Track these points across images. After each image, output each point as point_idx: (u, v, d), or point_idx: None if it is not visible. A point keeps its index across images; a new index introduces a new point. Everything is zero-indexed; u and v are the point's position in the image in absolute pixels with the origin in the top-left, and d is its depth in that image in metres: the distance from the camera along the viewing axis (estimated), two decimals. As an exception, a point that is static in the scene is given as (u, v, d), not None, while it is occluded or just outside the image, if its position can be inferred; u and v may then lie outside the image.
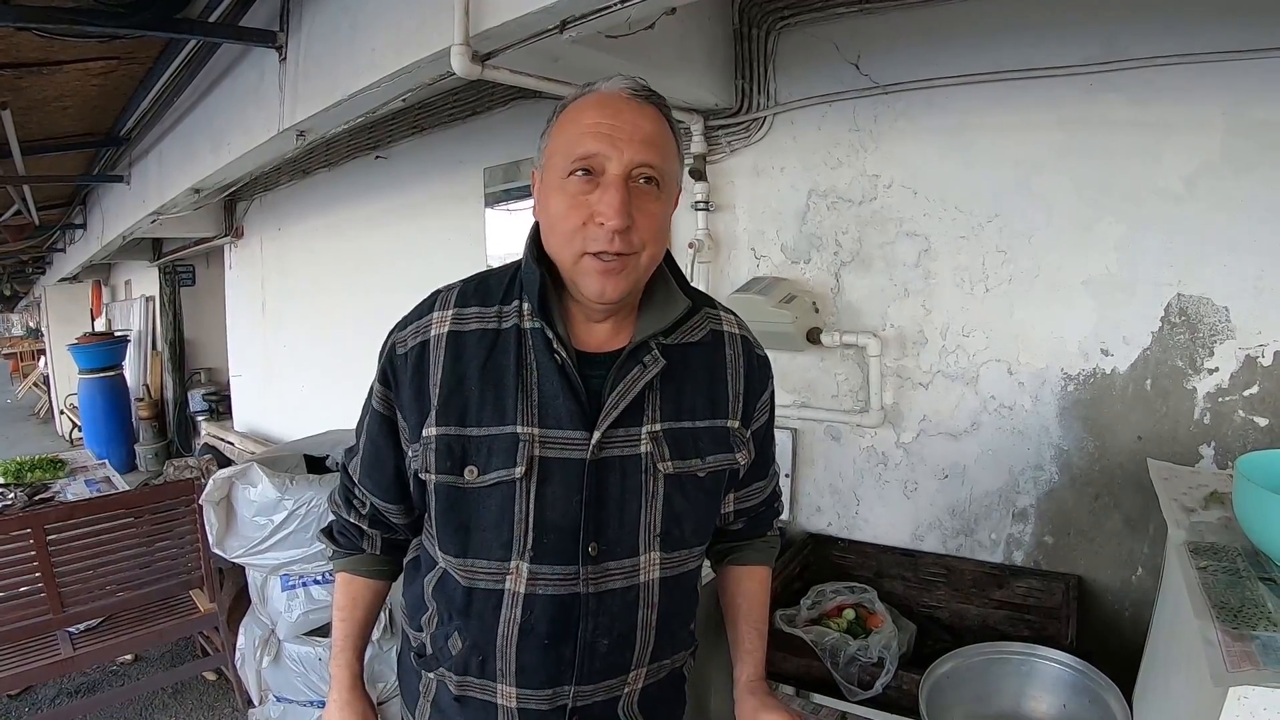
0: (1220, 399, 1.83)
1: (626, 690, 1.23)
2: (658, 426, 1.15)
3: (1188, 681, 1.08)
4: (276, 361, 3.52)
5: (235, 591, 3.30)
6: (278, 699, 2.87)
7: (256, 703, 2.98)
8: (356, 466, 1.26)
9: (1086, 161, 1.90)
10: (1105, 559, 2.02)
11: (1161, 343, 1.88)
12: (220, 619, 3.07)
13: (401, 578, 1.33)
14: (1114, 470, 1.98)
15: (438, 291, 1.19)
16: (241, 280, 4.73)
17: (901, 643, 1.82)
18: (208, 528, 2.66)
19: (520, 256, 1.19)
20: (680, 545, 1.20)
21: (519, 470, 1.10)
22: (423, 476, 1.14)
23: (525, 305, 1.13)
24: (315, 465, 2.93)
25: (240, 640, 2.96)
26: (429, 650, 1.22)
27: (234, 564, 2.94)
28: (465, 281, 1.19)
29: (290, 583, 2.65)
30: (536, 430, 1.11)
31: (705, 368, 1.22)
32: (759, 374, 1.28)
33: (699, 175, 2.32)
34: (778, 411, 2.25)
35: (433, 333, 1.14)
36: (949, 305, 2.11)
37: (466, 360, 1.12)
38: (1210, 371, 1.83)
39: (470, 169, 3.05)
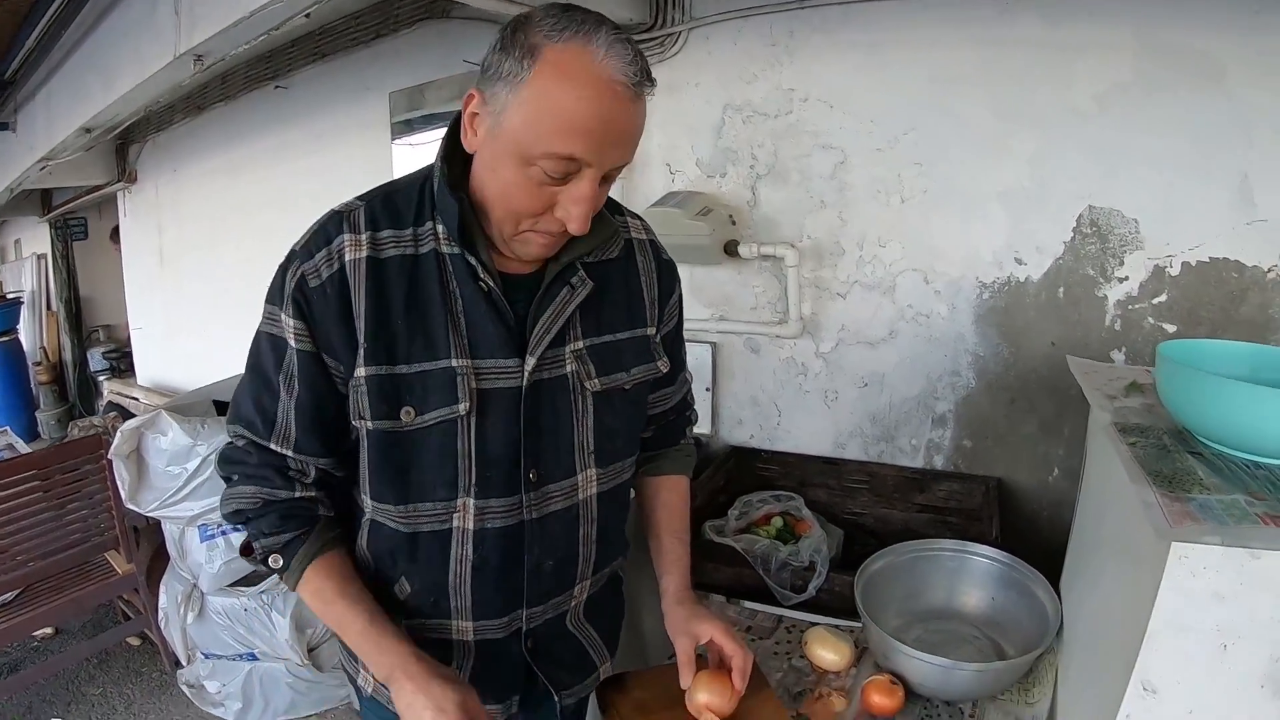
0: (1130, 306, 1.91)
1: (573, 604, 1.26)
2: (580, 344, 1.14)
3: (1122, 555, 1.13)
4: (178, 311, 3.37)
5: (152, 550, 3.18)
6: (205, 656, 2.81)
7: (185, 662, 2.90)
8: (286, 429, 1.07)
9: (1001, 79, 1.92)
10: (1022, 461, 2.10)
11: (1073, 252, 1.93)
12: (140, 580, 2.96)
13: None
14: (1029, 375, 2.04)
15: (337, 212, 1.06)
16: (137, 229, 4.44)
17: (830, 546, 1.86)
18: (119, 483, 2.54)
19: (424, 167, 1.11)
20: (614, 459, 1.21)
21: (462, 407, 1.06)
22: (355, 423, 1.08)
23: (440, 228, 1.06)
24: (225, 410, 2.82)
25: (162, 600, 2.87)
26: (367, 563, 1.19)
27: (149, 520, 2.84)
28: (367, 200, 1.07)
29: (209, 533, 2.57)
30: (470, 362, 1.06)
31: (623, 280, 1.20)
32: (668, 277, 1.27)
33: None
34: (698, 326, 2.26)
35: (347, 258, 1.03)
36: (865, 217, 2.12)
37: (390, 291, 1.04)
38: (1120, 280, 1.90)
39: (375, 96, 2.91)
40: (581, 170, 0.96)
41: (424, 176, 1.09)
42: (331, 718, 2.86)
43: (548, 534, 1.16)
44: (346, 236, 1.03)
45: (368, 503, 1.13)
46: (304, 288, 1.03)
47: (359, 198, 1.08)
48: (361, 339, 1.04)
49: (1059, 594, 1.53)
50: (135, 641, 3.25)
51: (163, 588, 2.87)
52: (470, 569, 1.14)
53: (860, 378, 2.24)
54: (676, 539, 1.36)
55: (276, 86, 3.14)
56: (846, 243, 2.15)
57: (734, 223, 2.22)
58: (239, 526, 1.13)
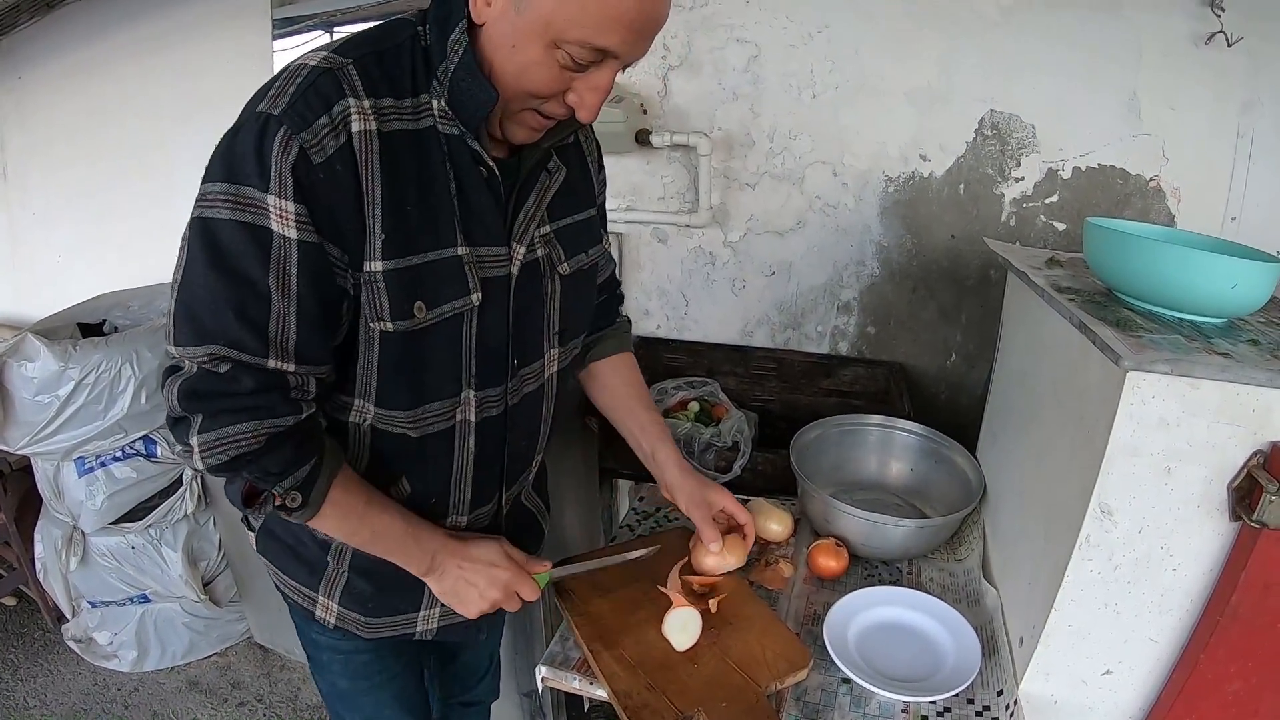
0: (1025, 205, 2.01)
1: (530, 478, 1.28)
2: (548, 229, 1.10)
3: (1069, 397, 1.18)
4: (24, 231, 3.03)
5: (21, 495, 2.88)
6: (92, 605, 2.58)
7: (69, 615, 2.66)
8: (285, 340, 0.88)
9: None
10: (923, 346, 2.19)
11: (975, 152, 2.00)
12: (10, 530, 2.66)
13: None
14: (930, 265, 2.11)
15: (323, 69, 0.85)
16: (-25, 144, 3.93)
17: (748, 426, 1.87)
18: (-22, 423, 2.27)
19: (397, 21, 0.95)
20: (573, 337, 1.20)
21: (475, 297, 0.98)
22: (372, 325, 0.93)
23: (437, 104, 0.92)
24: (91, 333, 2.56)
25: (38, 549, 2.59)
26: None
27: (15, 463, 2.56)
28: (355, 59, 0.88)
29: (87, 465, 2.33)
30: (470, 250, 0.97)
31: (578, 161, 1.18)
32: (598, 151, 1.25)
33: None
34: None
35: (354, 128, 0.86)
36: (776, 110, 2.10)
37: (401, 172, 0.90)
38: (1017, 180, 2.00)
39: None
40: (605, 60, 0.88)
41: (409, 36, 0.93)
42: (233, 654, 2.71)
43: (523, 416, 1.14)
44: (351, 102, 0.86)
45: (368, 409, 1.01)
46: (306, 163, 0.83)
47: (337, 52, 0.88)
48: (379, 228, 0.89)
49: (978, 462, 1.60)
50: (10, 601, 2.92)
51: (38, 536, 2.60)
52: (472, 462, 1.10)
53: (768, 266, 2.25)
54: (650, 411, 1.37)
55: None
56: (757, 135, 2.14)
57: (645, 112, 2.16)
58: (231, 474, 0.93)
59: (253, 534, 1.15)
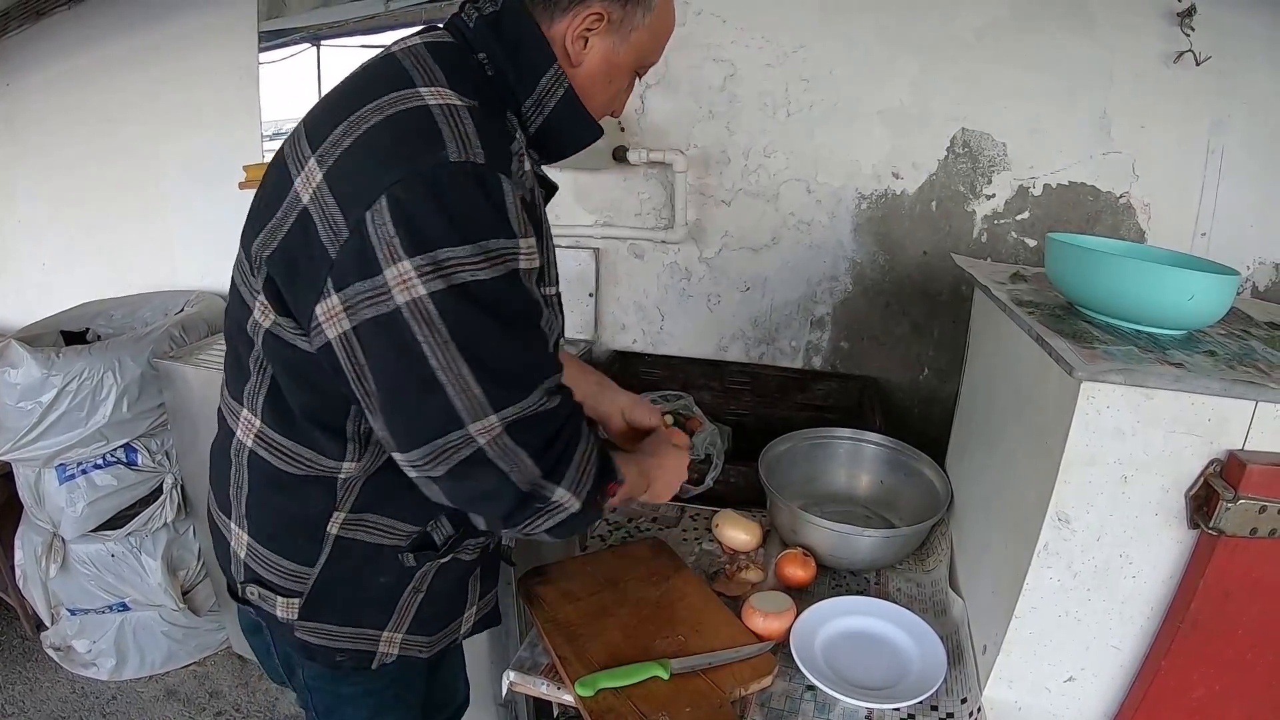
0: (996, 221, 2.02)
1: None
2: None
3: (1028, 409, 1.18)
4: (10, 239, 3.00)
5: (1, 501, 2.83)
6: (72, 612, 2.53)
7: (49, 623, 2.61)
8: (549, 359, 0.90)
9: (889, 6, 1.96)
10: (896, 361, 2.19)
11: (947, 170, 2.02)
12: (-11, 539, 2.63)
13: (364, 482, 0.97)
14: (903, 281, 2.11)
15: (473, 105, 0.83)
16: (-41, 152, 3.89)
17: (722, 439, 1.86)
18: (-40, 431, 2.23)
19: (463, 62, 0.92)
20: None
21: (559, 325, 1.03)
22: None
23: (519, 134, 0.92)
24: (74, 341, 2.53)
25: (18, 556, 2.55)
26: (447, 532, 1.05)
27: (-5, 469, 2.53)
28: (481, 101, 0.86)
29: (68, 472, 2.29)
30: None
31: None
32: None
33: None
34: (582, 232, 2.27)
35: (527, 167, 0.90)
36: (752, 128, 2.11)
37: (539, 205, 0.94)
38: (988, 197, 2.01)
39: None
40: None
41: (475, 65, 0.92)
42: (211, 664, 2.67)
43: None
44: (515, 145, 0.88)
45: None
46: (522, 199, 0.83)
47: (451, 89, 0.84)
48: (546, 257, 0.95)
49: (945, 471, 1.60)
50: (-11, 610, 2.89)
51: (18, 542, 2.55)
52: None
53: (742, 282, 2.25)
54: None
55: (130, -16, 2.78)
56: (733, 152, 2.14)
57: (622, 129, 2.16)
58: (598, 491, 0.93)
59: (289, 604, 1.03)
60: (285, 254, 0.83)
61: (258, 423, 0.94)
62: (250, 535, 1.01)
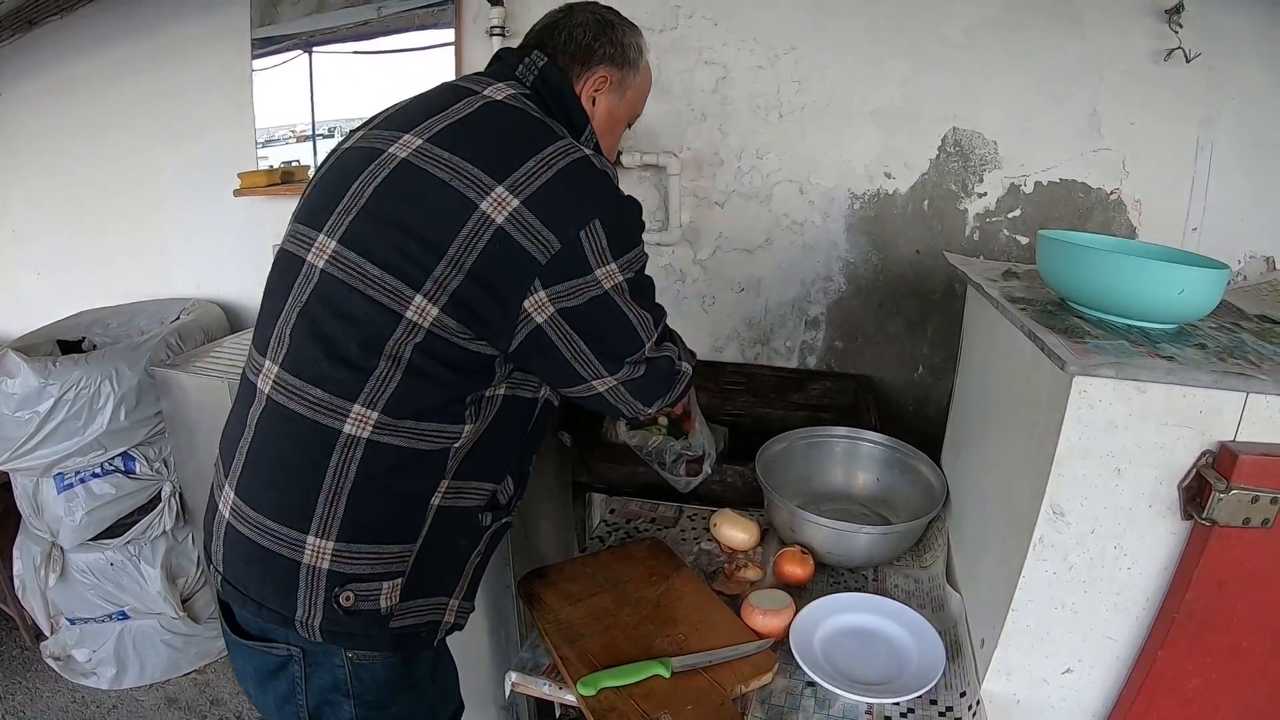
0: (988, 219, 2.02)
1: None
2: None
3: (1022, 403, 1.18)
4: (4, 250, 3.00)
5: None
6: (71, 622, 2.52)
7: (48, 632, 2.59)
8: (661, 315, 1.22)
9: (880, 7, 1.96)
10: (890, 359, 2.19)
11: (938, 169, 2.02)
12: (-12, 548, 2.61)
13: (461, 448, 1.07)
14: (896, 280, 2.12)
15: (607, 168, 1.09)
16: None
17: (718, 438, 1.86)
18: (-41, 440, 2.22)
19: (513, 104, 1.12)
20: None
21: None
22: None
23: None
24: (71, 350, 2.52)
25: (17, 566, 2.54)
26: (510, 492, 1.20)
27: (-7, 479, 2.51)
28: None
29: (66, 481, 2.29)
30: None
31: None
32: None
33: (496, 0, 2.13)
34: None
35: None
36: (744, 130, 2.12)
37: None
38: (980, 195, 2.02)
39: (235, 3, 2.57)
40: None
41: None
42: (211, 671, 2.65)
43: None
44: None
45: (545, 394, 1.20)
46: None
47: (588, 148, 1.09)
48: None
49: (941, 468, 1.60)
50: (-12, 621, 2.88)
51: (16, 553, 2.54)
52: None
53: (737, 283, 2.26)
54: None
55: (121, -8, 2.77)
56: (726, 154, 2.15)
57: (617, 133, 2.17)
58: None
59: (394, 586, 1.06)
60: (486, 265, 0.97)
61: (374, 414, 0.99)
62: (338, 539, 1.01)
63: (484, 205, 0.97)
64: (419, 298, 0.97)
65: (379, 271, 0.98)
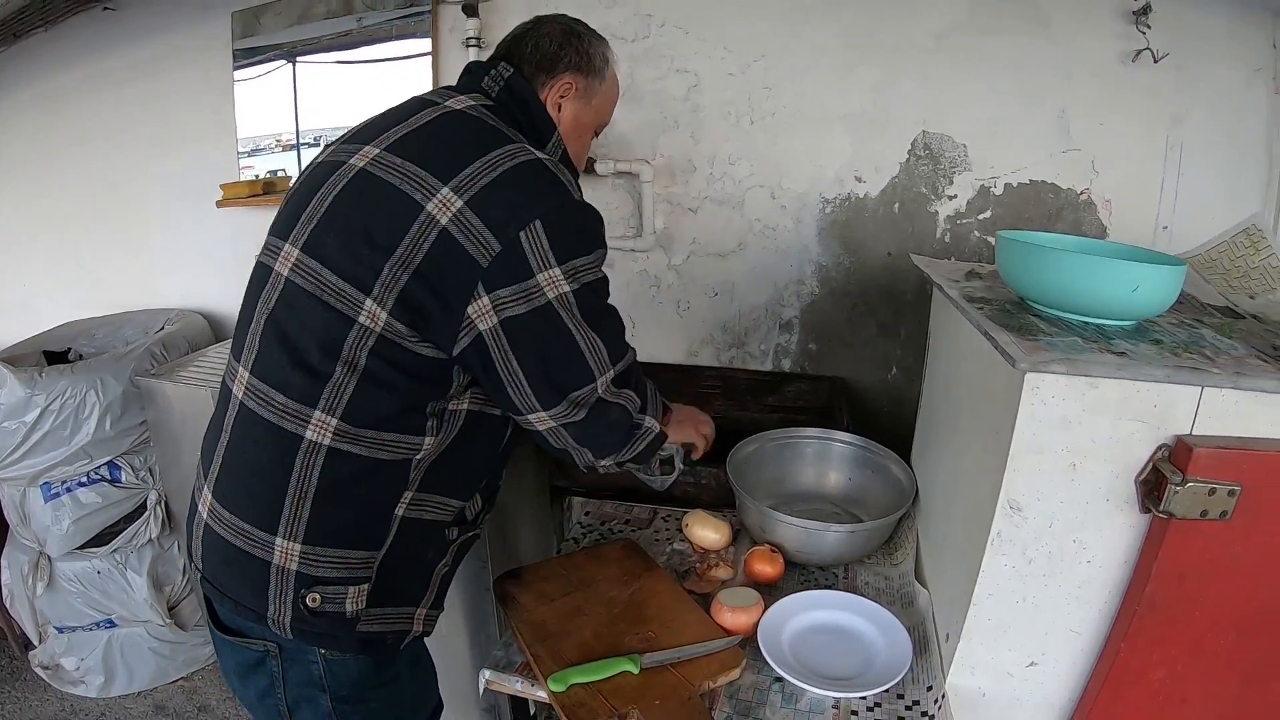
0: (958, 221, 2.04)
1: None
2: None
3: (980, 400, 1.20)
4: (-12, 263, 3.02)
5: (-14, 523, 2.81)
6: (59, 630, 2.51)
7: (37, 642, 2.58)
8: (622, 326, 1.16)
9: (850, 13, 1.98)
10: (864, 361, 2.20)
11: (909, 172, 2.03)
12: (-25, 558, 2.60)
13: (431, 461, 1.08)
14: (868, 283, 2.12)
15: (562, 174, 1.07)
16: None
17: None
18: (-54, 450, 2.21)
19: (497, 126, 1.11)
20: None
21: None
22: None
23: None
24: (56, 360, 2.51)
25: (4, 575, 2.52)
26: (477, 508, 1.21)
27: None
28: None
29: (53, 491, 2.28)
30: None
31: None
32: None
33: (471, 11, 2.12)
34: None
35: None
36: (716, 136, 2.13)
37: None
38: (950, 198, 2.03)
39: (217, 15, 2.62)
40: None
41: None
42: (199, 678, 2.64)
43: None
44: None
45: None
46: None
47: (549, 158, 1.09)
48: None
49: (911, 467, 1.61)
50: (-24, 630, 2.86)
51: (4, 562, 2.53)
52: None
53: (711, 288, 2.26)
54: None
55: (105, 8, 2.75)
56: (698, 161, 2.16)
57: (590, 140, 2.18)
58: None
59: (359, 591, 1.06)
60: (431, 265, 0.96)
61: (334, 421, 0.99)
62: (304, 542, 1.01)
63: (429, 206, 0.96)
64: (369, 301, 0.97)
65: (334, 277, 0.99)
